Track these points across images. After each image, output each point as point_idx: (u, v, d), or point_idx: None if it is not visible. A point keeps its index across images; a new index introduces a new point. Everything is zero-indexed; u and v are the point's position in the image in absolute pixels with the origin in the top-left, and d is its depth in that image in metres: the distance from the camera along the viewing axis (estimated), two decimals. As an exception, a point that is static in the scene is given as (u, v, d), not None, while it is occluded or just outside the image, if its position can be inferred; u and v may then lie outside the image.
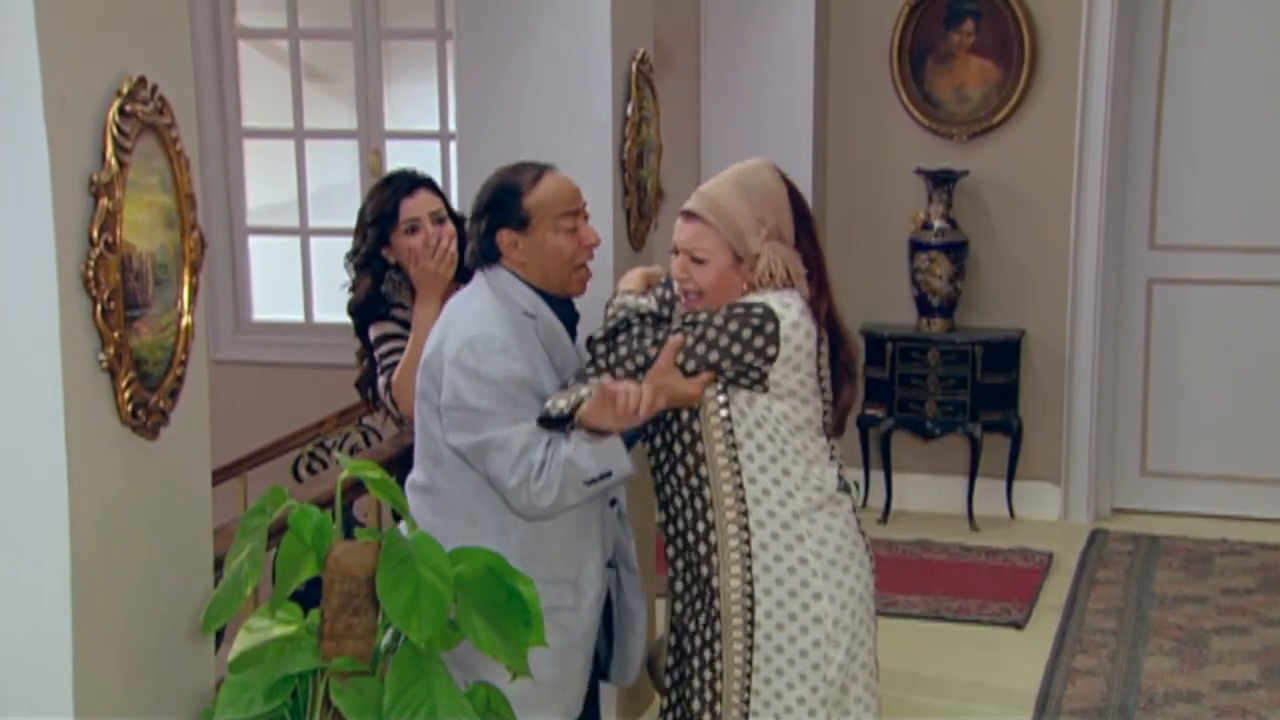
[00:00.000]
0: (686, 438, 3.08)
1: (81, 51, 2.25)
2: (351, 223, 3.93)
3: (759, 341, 2.97)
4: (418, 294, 3.75)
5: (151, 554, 2.46)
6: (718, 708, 3.11)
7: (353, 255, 3.87)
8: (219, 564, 2.63)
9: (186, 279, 2.49)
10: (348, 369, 4.20)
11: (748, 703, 3.08)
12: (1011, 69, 6.35)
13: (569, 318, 3.22)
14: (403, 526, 2.53)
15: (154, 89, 2.38)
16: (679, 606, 3.23)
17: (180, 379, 2.49)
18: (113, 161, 2.28)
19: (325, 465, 5.06)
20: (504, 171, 3.23)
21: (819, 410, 3.10)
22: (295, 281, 7.15)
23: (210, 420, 2.65)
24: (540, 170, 3.19)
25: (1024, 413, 6.49)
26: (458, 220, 3.84)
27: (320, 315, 7.09)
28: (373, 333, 3.86)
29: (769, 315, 2.98)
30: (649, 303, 3.16)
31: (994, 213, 6.46)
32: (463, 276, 3.73)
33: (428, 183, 3.87)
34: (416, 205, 3.80)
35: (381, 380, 3.81)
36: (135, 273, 2.34)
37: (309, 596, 2.46)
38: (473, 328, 3.06)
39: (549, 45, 4.14)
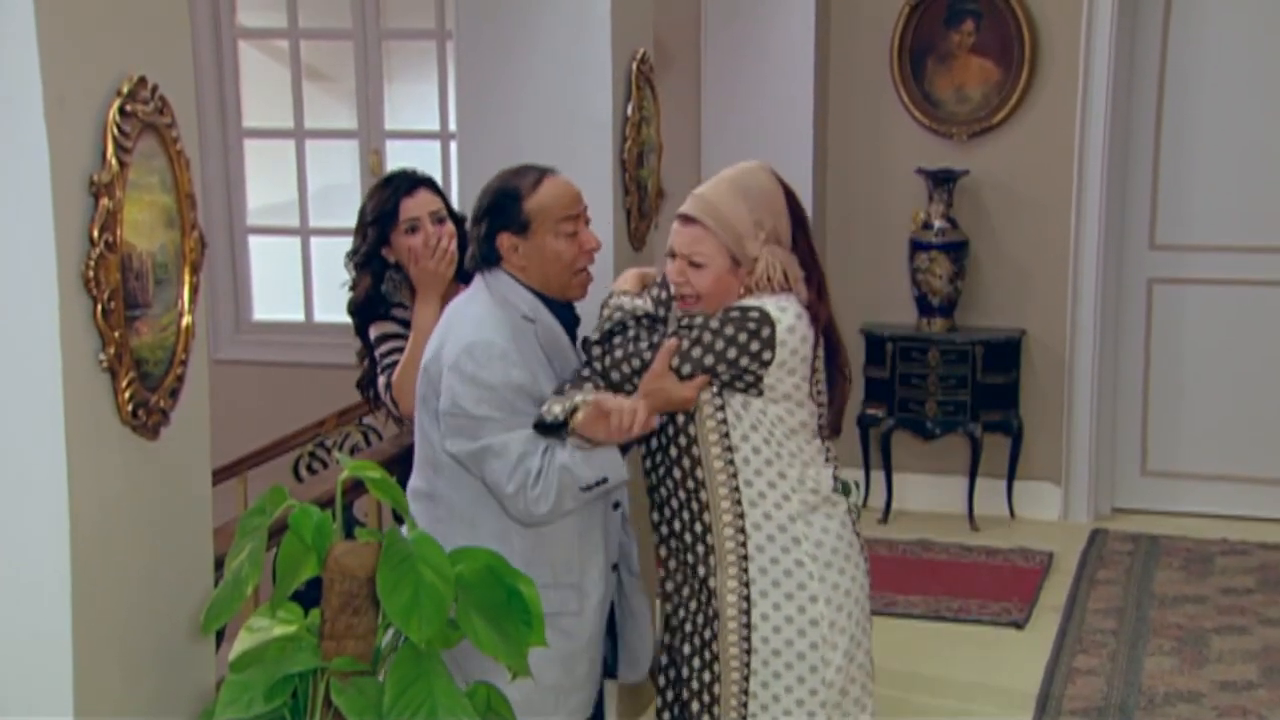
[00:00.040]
0: (682, 441, 3.07)
1: (82, 51, 2.25)
2: (351, 222, 3.93)
3: (755, 345, 2.96)
4: (418, 293, 3.75)
5: (152, 554, 2.46)
6: (716, 710, 3.11)
7: (353, 255, 3.87)
8: (219, 564, 2.63)
9: (187, 279, 2.49)
10: (348, 369, 4.20)
11: (745, 705, 3.07)
12: (1012, 69, 6.35)
13: (569, 321, 3.21)
14: (405, 529, 2.53)
15: (154, 89, 2.38)
16: (669, 607, 3.21)
17: (180, 379, 2.49)
18: (113, 161, 2.28)
19: (325, 465, 5.06)
20: (505, 175, 3.21)
21: (814, 413, 3.09)
22: (295, 281, 7.15)
23: (210, 420, 2.65)
24: (541, 174, 3.17)
25: (1024, 413, 6.49)
26: (458, 220, 3.84)
27: (320, 315, 7.09)
28: (373, 332, 3.86)
29: (765, 319, 2.97)
30: (644, 304, 3.15)
31: (994, 212, 6.46)
32: (463, 276, 3.73)
33: (428, 182, 3.87)
34: (417, 205, 3.80)
35: (381, 380, 3.81)
36: (135, 272, 2.34)
37: (309, 596, 2.46)
38: (471, 333, 3.05)
39: (549, 45, 4.14)
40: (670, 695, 3.24)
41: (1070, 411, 6.47)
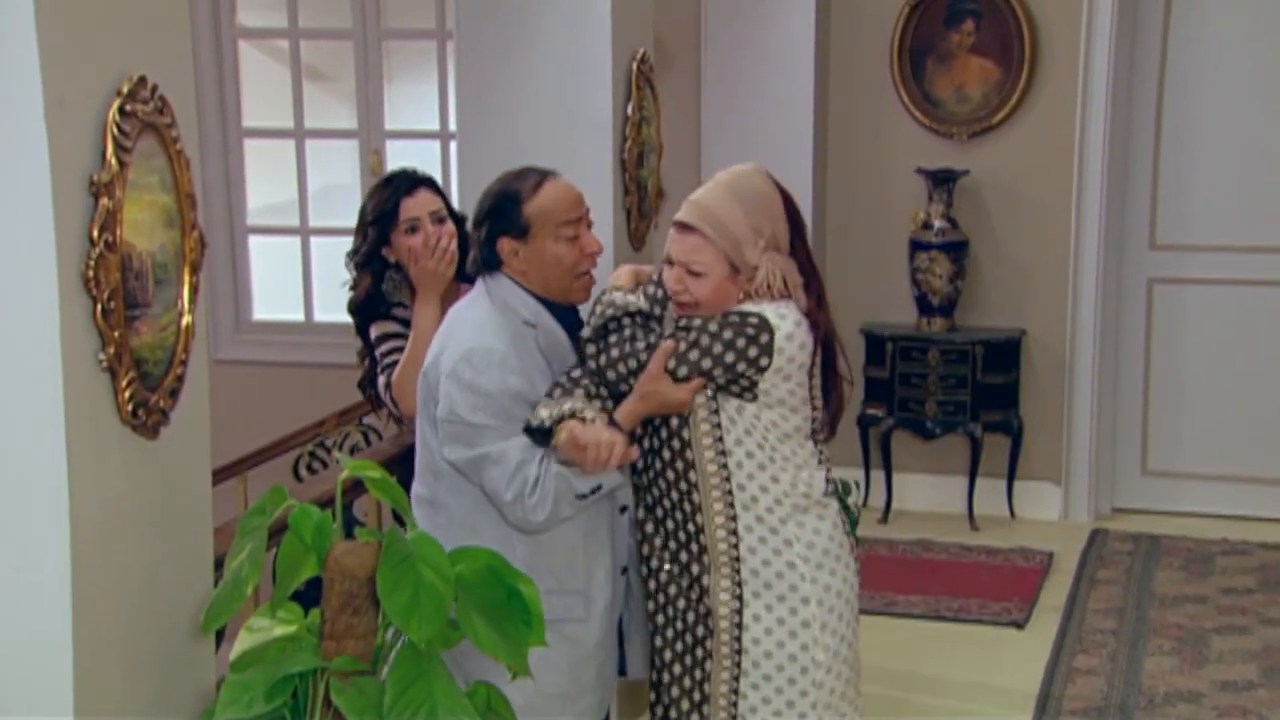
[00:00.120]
0: (676, 444, 3.06)
1: (82, 51, 2.25)
2: (352, 222, 3.93)
3: (753, 351, 2.95)
4: (418, 293, 3.74)
5: (152, 554, 2.46)
6: (705, 709, 3.10)
7: (353, 254, 3.87)
8: (219, 564, 2.63)
9: (187, 278, 2.49)
10: (348, 369, 4.20)
11: (735, 705, 3.06)
12: (1012, 69, 6.35)
13: (572, 324, 3.18)
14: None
15: (154, 89, 2.38)
16: (652, 605, 3.19)
17: (180, 378, 2.49)
18: (113, 161, 2.28)
19: (325, 465, 5.07)
20: (506, 178, 3.18)
21: (807, 417, 3.08)
22: (295, 281, 7.15)
23: (210, 420, 2.65)
24: (542, 177, 3.15)
25: (1024, 412, 6.49)
26: (458, 219, 3.84)
27: (320, 315, 7.09)
28: (373, 332, 3.86)
29: (764, 326, 2.95)
30: (639, 300, 3.11)
31: (994, 212, 6.46)
32: (463, 276, 3.73)
33: (428, 182, 3.87)
34: (417, 205, 3.80)
35: (381, 380, 3.81)
36: (135, 272, 2.34)
37: (309, 596, 2.46)
38: (469, 340, 3.03)
39: (549, 45, 4.14)
40: (654, 695, 3.23)
41: (1070, 411, 6.47)
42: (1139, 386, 6.58)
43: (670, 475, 3.08)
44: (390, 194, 3.81)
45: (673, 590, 3.14)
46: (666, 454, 3.08)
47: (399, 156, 6.52)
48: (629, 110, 4.21)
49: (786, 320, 2.98)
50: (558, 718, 3.13)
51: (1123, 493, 6.64)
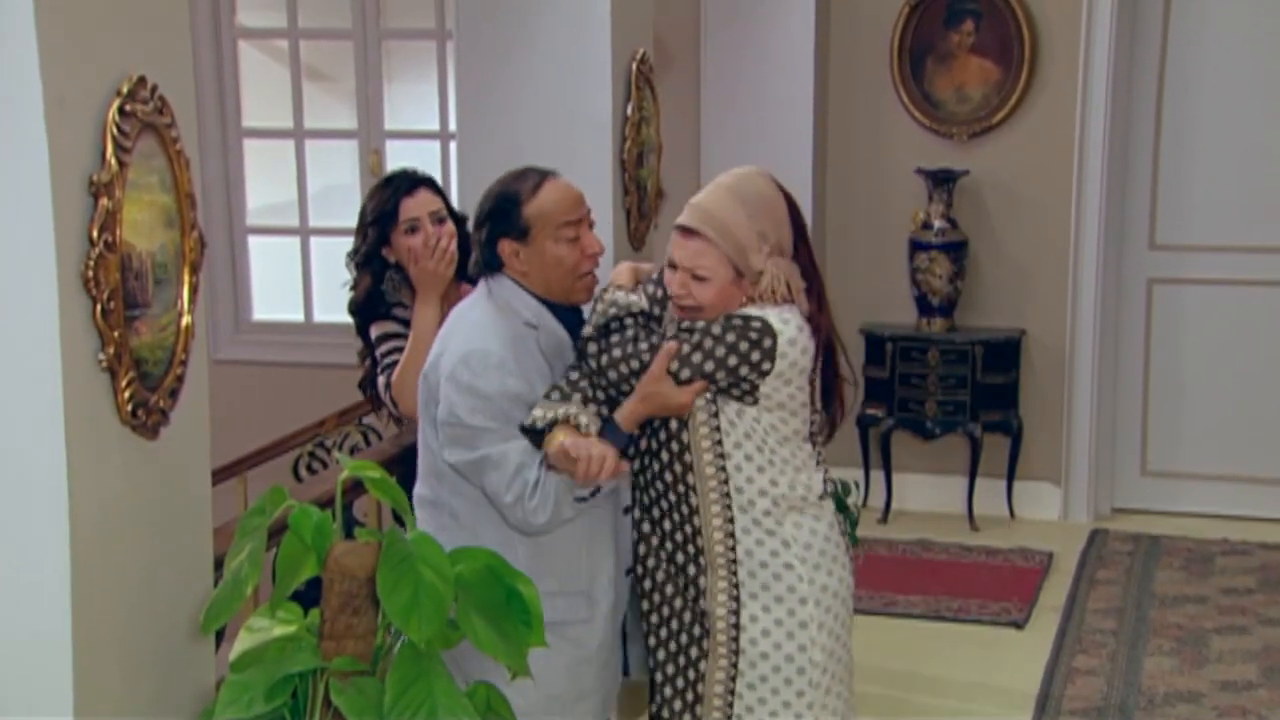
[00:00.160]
0: (674, 446, 3.05)
1: (81, 51, 2.25)
2: (351, 223, 3.93)
3: (755, 355, 2.94)
4: (418, 293, 3.74)
5: (151, 554, 2.46)
6: (698, 709, 3.09)
7: (354, 254, 3.87)
8: (219, 564, 2.63)
9: (186, 279, 2.49)
10: (348, 369, 4.20)
11: (731, 705, 3.06)
12: (1011, 69, 6.35)
13: (574, 325, 3.15)
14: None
15: (154, 89, 2.38)
16: (646, 605, 3.18)
17: (180, 379, 2.49)
18: (112, 161, 2.28)
19: (325, 465, 5.07)
20: (506, 179, 3.16)
21: (807, 420, 3.07)
22: (295, 281, 7.15)
23: (210, 420, 2.65)
24: (542, 178, 3.12)
25: (1024, 412, 6.49)
26: (458, 219, 3.84)
27: (320, 315, 7.09)
28: (373, 332, 3.86)
29: (768, 330, 2.94)
30: (640, 300, 3.10)
31: (994, 212, 6.46)
32: (464, 275, 3.73)
33: (428, 182, 3.87)
34: (416, 205, 3.80)
35: (381, 380, 3.81)
36: (135, 272, 2.34)
37: (309, 596, 2.46)
38: (468, 342, 3.02)
39: (549, 45, 4.14)
40: (650, 696, 3.22)
41: (1070, 411, 6.47)
42: (1139, 386, 6.58)
43: (668, 477, 3.07)
44: (390, 194, 3.81)
45: (669, 590, 3.14)
46: (665, 456, 3.07)
47: (399, 157, 6.52)
48: (629, 110, 4.21)
49: (789, 325, 2.97)
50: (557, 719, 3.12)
51: (1122, 493, 6.64)
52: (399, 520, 2.55)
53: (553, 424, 2.95)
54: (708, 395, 2.99)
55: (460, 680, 2.50)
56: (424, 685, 2.33)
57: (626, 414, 3.00)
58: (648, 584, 3.17)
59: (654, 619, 3.17)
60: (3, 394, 2.23)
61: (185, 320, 2.48)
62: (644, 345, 2.99)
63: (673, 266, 3.02)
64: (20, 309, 2.21)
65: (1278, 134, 6.30)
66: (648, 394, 2.97)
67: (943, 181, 6.28)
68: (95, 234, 2.25)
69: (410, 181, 3.84)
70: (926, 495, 6.64)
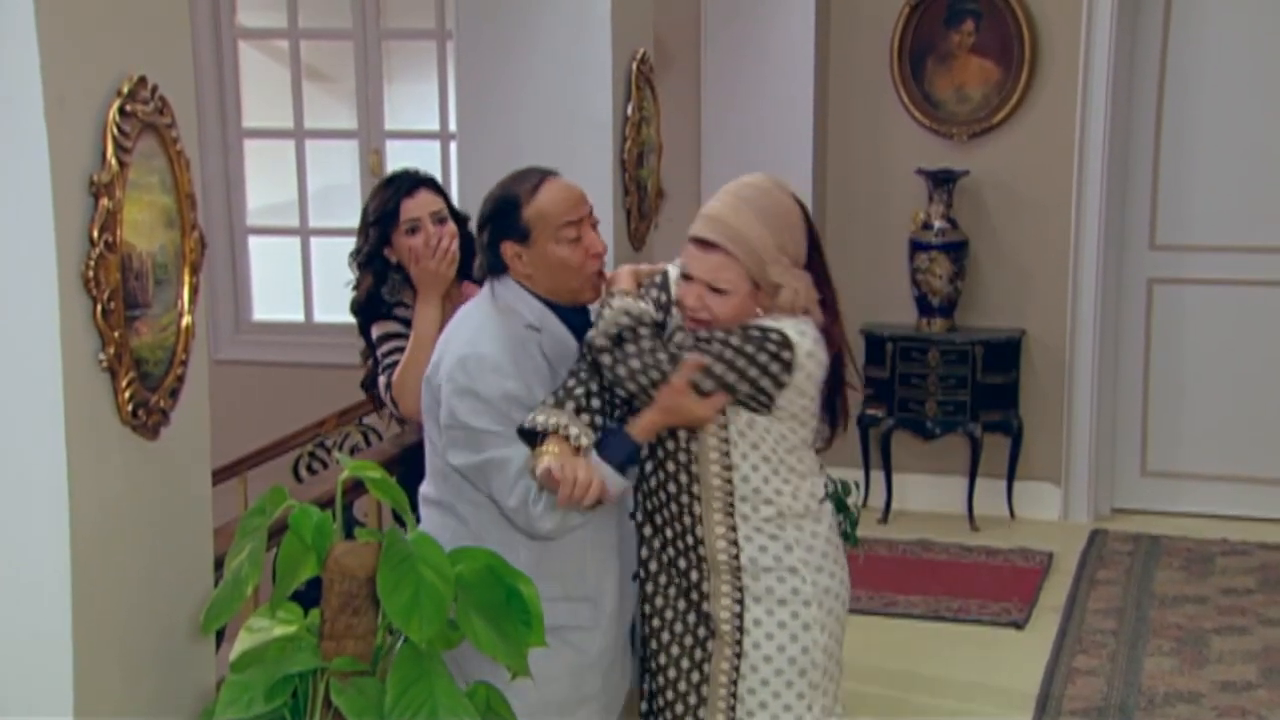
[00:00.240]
0: (682, 457, 3.02)
1: (82, 51, 2.25)
2: (352, 223, 3.93)
3: (775, 367, 2.91)
4: (419, 294, 3.74)
5: (152, 554, 2.46)
6: (702, 712, 3.09)
7: (356, 255, 3.87)
8: (219, 564, 2.63)
9: (187, 279, 2.49)
10: (348, 369, 4.20)
11: (733, 710, 3.05)
12: (1012, 69, 6.35)
13: (581, 326, 3.10)
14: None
15: (154, 89, 2.38)
16: (648, 609, 3.17)
17: (180, 379, 2.49)
18: (113, 161, 2.28)
19: (325, 465, 5.07)
20: (506, 181, 3.13)
21: (813, 429, 3.07)
22: (295, 281, 7.15)
23: (210, 420, 2.65)
24: (541, 179, 3.08)
25: (1024, 413, 6.49)
26: (460, 219, 3.84)
27: (320, 315, 7.09)
28: (375, 331, 3.86)
29: (786, 343, 2.91)
30: (649, 308, 3.05)
31: (994, 213, 6.46)
32: (466, 276, 3.73)
33: (429, 182, 3.87)
34: (417, 205, 3.80)
35: (382, 380, 3.81)
36: (135, 273, 2.34)
37: (309, 596, 2.46)
38: (465, 346, 3.00)
39: (549, 45, 4.14)
40: (649, 701, 3.21)
41: (1070, 411, 6.47)
42: (1139, 387, 6.58)
43: (672, 488, 3.05)
44: (391, 194, 3.81)
45: (672, 593, 3.13)
46: (671, 466, 3.04)
47: (399, 157, 6.53)
48: (629, 110, 4.21)
49: (806, 337, 2.94)
50: None
51: (1122, 493, 6.64)
52: (399, 520, 2.55)
53: (544, 434, 2.91)
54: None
55: (460, 681, 2.50)
56: (424, 685, 2.33)
57: (644, 425, 2.96)
58: (650, 588, 3.16)
59: (655, 623, 3.16)
60: (3, 394, 2.23)
61: (185, 320, 2.49)
62: (662, 355, 2.94)
63: (686, 277, 2.97)
64: (21, 309, 2.21)
65: (1278, 134, 6.30)
66: (669, 406, 2.92)
67: (943, 182, 6.28)
68: (96, 234, 2.25)
69: (411, 182, 3.84)
70: (927, 495, 6.64)
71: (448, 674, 2.38)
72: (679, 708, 3.12)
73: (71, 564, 2.25)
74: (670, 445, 3.03)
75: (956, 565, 6.03)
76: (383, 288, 3.84)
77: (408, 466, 3.66)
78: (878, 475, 6.55)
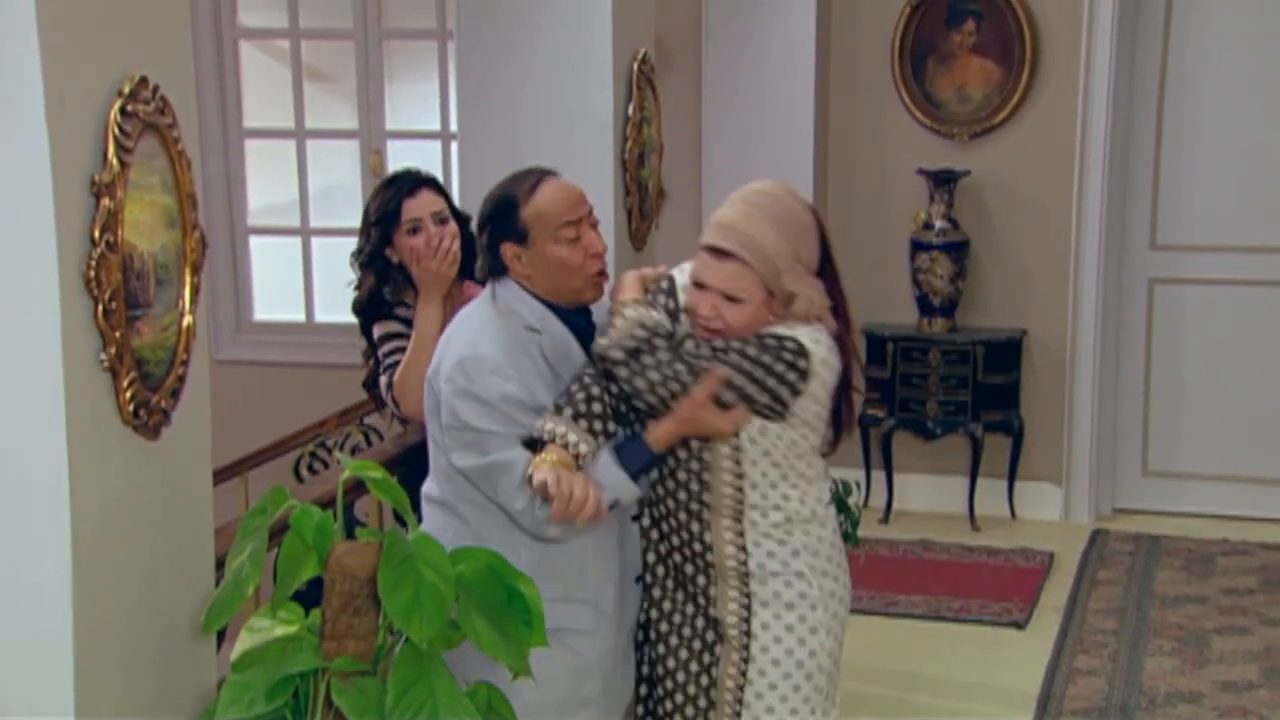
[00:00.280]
0: (694, 466, 3.00)
1: (83, 51, 2.25)
2: (352, 223, 3.93)
3: (791, 376, 2.90)
4: (420, 294, 3.74)
5: (153, 554, 2.46)
6: (711, 715, 3.08)
7: (357, 254, 3.88)
8: (220, 564, 2.63)
9: (188, 279, 2.49)
10: (349, 369, 4.20)
11: (739, 715, 3.05)
12: (1013, 69, 6.35)
13: (584, 327, 3.09)
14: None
15: (155, 89, 2.38)
16: (655, 614, 3.15)
17: (182, 379, 2.49)
18: (114, 161, 2.28)
19: (327, 465, 5.07)
20: (505, 182, 3.11)
21: (822, 434, 3.06)
22: (296, 281, 7.15)
23: (212, 420, 2.65)
24: (539, 179, 3.06)
25: (1025, 413, 6.49)
26: (461, 219, 3.84)
27: (321, 315, 7.09)
28: (376, 331, 3.86)
29: (802, 351, 2.90)
30: (663, 318, 3.01)
31: (995, 213, 6.47)
32: (467, 275, 3.73)
33: (431, 182, 3.87)
34: (419, 205, 3.79)
35: (383, 380, 3.81)
36: (137, 273, 2.34)
37: (310, 596, 2.47)
38: (465, 348, 2.98)
39: (550, 45, 4.14)
40: (650, 706, 3.20)
41: (1071, 412, 6.47)
42: (1140, 387, 6.58)
43: (682, 495, 3.04)
44: (393, 194, 3.81)
45: (679, 597, 3.11)
46: (682, 475, 3.02)
47: (400, 157, 6.53)
48: (630, 110, 4.21)
49: (820, 345, 2.93)
50: None
51: (1123, 493, 6.64)
52: (400, 520, 2.55)
53: (544, 443, 2.89)
54: None
55: (461, 683, 2.50)
56: (425, 685, 2.33)
57: (661, 435, 2.94)
58: (657, 592, 3.15)
59: (663, 627, 3.14)
60: (4, 394, 2.23)
61: (187, 320, 2.49)
62: (680, 367, 2.91)
63: (700, 286, 2.94)
64: (22, 309, 2.21)
65: (1278, 134, 6.30)
66: (688, 418, 2.91)
67: (944, 182, 6.28)
68: (97, 234, 2.25)
69: (413, 182, 3.84)
70: (927, 495, 6.64)
71: (449, 674, 2.38)
72: (689, 711, 3.11)
73: (72, 564, 2.25)
74: (682, 454, 3.01)
75: (957, 565, 6.03)
76: (385, 288, 3.84)
77: (409, 466, 3.66)
78: (879, 475, 6.55)
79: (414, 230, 3.77)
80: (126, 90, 2.31)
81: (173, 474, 2.51)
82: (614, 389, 2.98)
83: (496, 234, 3.05)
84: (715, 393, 2.89)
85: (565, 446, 2.89)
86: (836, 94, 6.59)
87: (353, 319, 3.94)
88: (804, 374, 2.91)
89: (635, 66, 4.24)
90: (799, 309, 2.92)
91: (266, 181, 7.17)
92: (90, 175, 2.25)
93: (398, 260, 3.82)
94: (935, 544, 6.24)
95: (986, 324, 6.49)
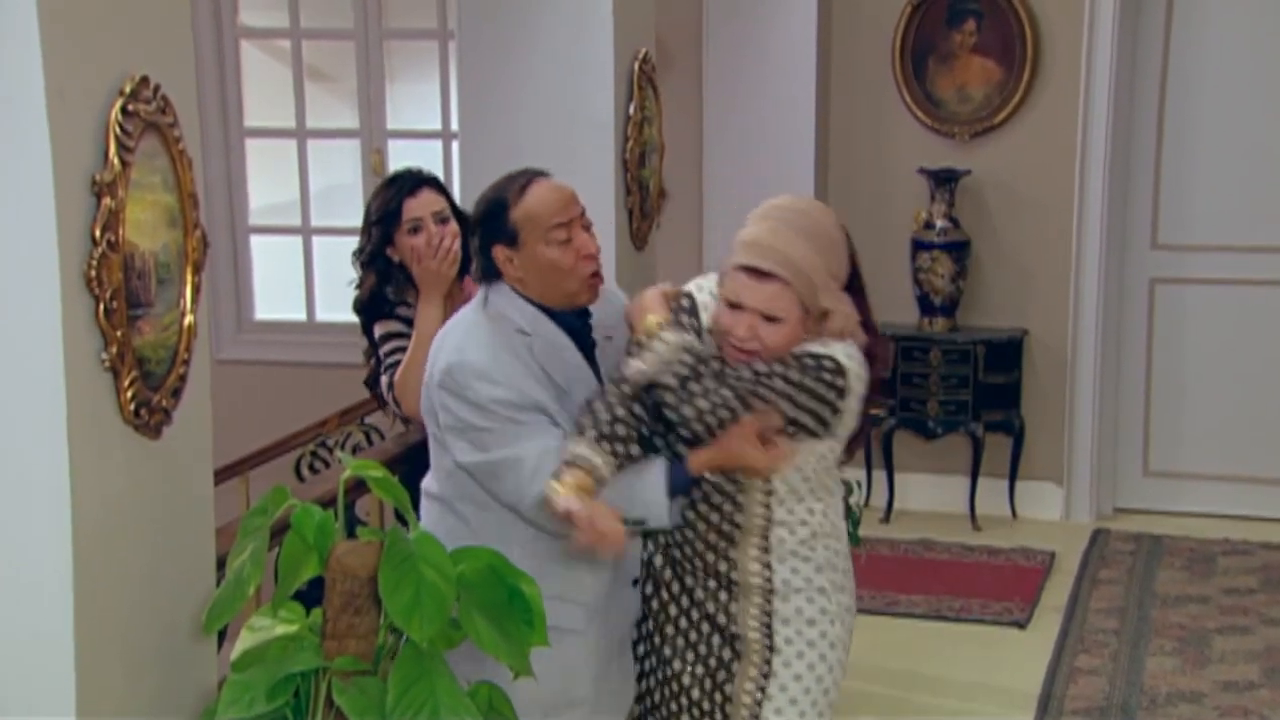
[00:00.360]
0: (728, 487, 2.97)
1: (84, 51, 2.25)
2: (353, 222, 3.94)
3: (831, 395, 2.88)
4: (420, 293, 3.74)
5: (154, 553, 2.47)
6: None
7: (359, 254, 3.88)
8: (221, 563, 2.63)
9: (189, 278, 2.49)
10: (350, 368, 4.20)
11: None
12: (1013, 69, 6.35)
13: (578, 326, 3.06)
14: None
15: (156, 88, 2.38)
16: (671, 631, 3.12)
17: (183, 378, 2.49)
18: (115, 161, 2.28)
19: (327, 464, 5.07)
20: (496, 184, 3.06)
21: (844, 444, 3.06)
22: (297, 281, 7.15)
23: (213, 419, 2.65)
24: (528, 180, 3.01)
25: (1026, 412, 6.48)
26: (462, 219, 3.83)
27: (322, 314, 7.09)
28: (377, 330, 3.86)
29: (840, 369, 2.88)
30: (696, 341, 2.95)
31: (996, 212, 6.46)
32: (468, 274, 3.73)
33: (432, 182, 3.87)
34: (419, 205, 3.79)
35: (384, 379, 3.81)
36: (138, 272, 2.34)
37: (311, 596, 2.47)
38: (453, 354, 2.95)
39: (550, 45, 4.15)
40: (653, 711, 3.19)
41: (1072, 411, 6.47)
42: (1140, 386, 6.58)
43: (714, 518, 3.01)
44: (394, 194, 3.81)
45: (696, 616, 3.08)
46: (717, 497, 2.98)
47: (401, 156, 6.53)
48: (631, 110, 4.21)
49: (854, 361, 2.92)
50: None
51: (1124, 493, 6.64)
52: (401, 519, 2.55)
53: (568, 464, 2.83)
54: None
55: (461, 683, 2.50)
56: (426, 685, 2.33)
57: (703, 462, 2.90)
58: (673, 610, 3.11)
59: (679, 642, 3.10)
60: (5, 393, 2.24)
61: (188, 320, 2.49)
62: (728, 392, 2.86)
63: (735, 306, 2.89)
64: (23, 308, 2.22)
65: (1279, 134, 6.30)
66: (735, 453, 2.87)
67: (945, 181, 6.28)
68: (98, 233, 2.25)
69: (414, 181, 3.84)
70: (928, 495, 6.64)
71: (449, 673, 2.38)
72: None
73: (73, 563, 2.25)
74: (715, 476, 2.96)
75: (958, 565, 6.02)
76: (388, 287, 3.84)
77: (410, 465, 3.66)
78: (880, 475, 6.54)
79: (415, 230, 3.77)
80: (128, 90, 2.32)
81: (174, 473, 2.51)
82: (637, 410, 2.93)
83: (488, 237, 3.01)
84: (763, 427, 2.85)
85: (589, 471, 2.83)
86: (837, 94, 6.58)
87: (354, 318, 3.94)
88: (842, 392, 2.89)
89: (636, 66, 4.24)
90: (834, 326, 2.89)
91: (267, 181, 7.17)
92: (91, 174, 2.25)
93: (399, 259, 3.82)
94: (936, 543, 6.24)
95: (987, 323, 6.48)
